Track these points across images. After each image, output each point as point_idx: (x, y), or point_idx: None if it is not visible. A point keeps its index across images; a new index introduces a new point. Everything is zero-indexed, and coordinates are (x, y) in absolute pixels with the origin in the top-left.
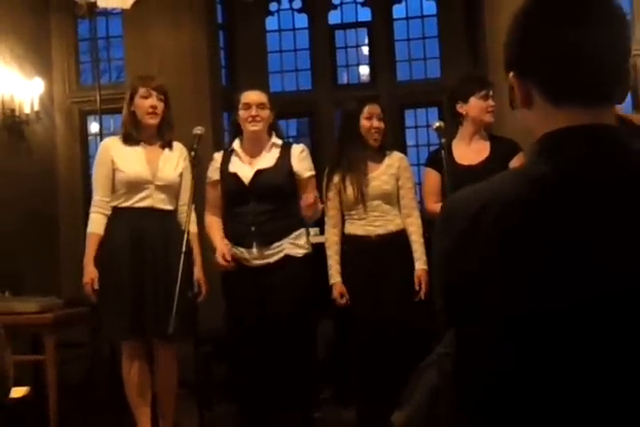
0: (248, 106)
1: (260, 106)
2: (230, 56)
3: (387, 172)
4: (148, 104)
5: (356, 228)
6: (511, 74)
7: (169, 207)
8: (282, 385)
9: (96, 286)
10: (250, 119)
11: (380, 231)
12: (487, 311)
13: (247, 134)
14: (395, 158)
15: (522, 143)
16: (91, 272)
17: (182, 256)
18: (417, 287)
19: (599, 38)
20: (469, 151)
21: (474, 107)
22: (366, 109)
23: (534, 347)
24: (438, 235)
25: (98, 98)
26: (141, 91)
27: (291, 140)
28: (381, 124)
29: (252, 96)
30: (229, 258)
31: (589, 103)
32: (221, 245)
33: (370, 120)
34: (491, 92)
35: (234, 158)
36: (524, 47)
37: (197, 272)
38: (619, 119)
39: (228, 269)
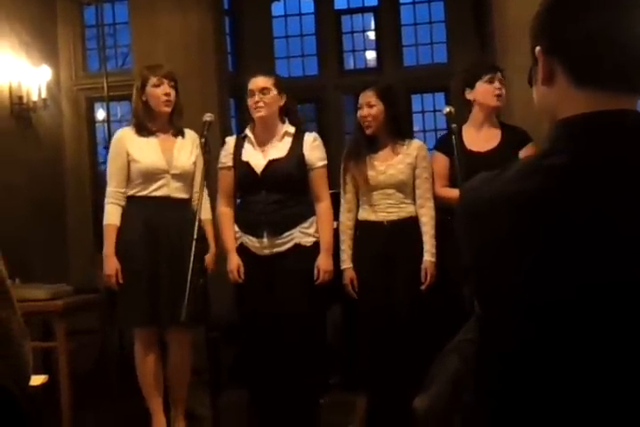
0: (252, 92)
1: (264, 90)
2: (237, 42)
3: (404, 161)
4: (161, 92)
5: (368, 214)
6: (537, 48)
7: (184, 196)
8: (291, 371)
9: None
10: (253, 106)
11: (392, 218)
12: (510, 297)
13: (256, 121)
14: (413, 147)
15: (531, 132)
16: (113, 264)
17: (193, 243)
18: (423, 279)
19: (631, 23)
20: (479, 138)
21: (480, 91)
22: (359, 99)
23: (556, 331)
24: (461, 230)
25: (105, 85)
26: (153, 80)
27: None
28: (370, 111)
29: (255, 82)
30: (242, 275)
31: (614, 88)
32: (234, 258)
33: (360, 110)
34: (498, 76)
35: (246, 145)
36: (555, 23)
37: (209, 259)
38: None
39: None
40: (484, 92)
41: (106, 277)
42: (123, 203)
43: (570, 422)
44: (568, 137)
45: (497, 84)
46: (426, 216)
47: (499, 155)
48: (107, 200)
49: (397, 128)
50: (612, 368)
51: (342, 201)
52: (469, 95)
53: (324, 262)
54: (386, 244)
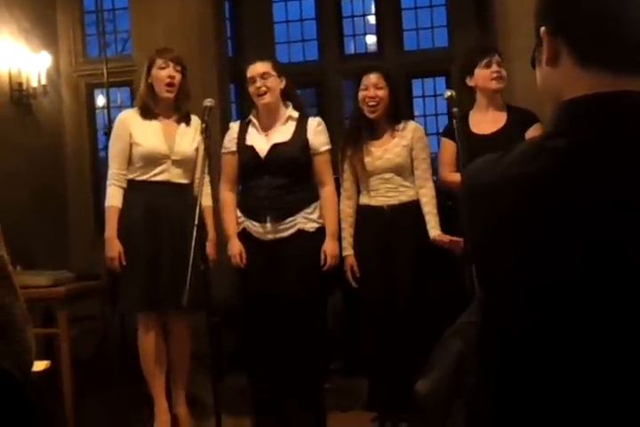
0: (252, 79)
1: (264, 75)
2: (236, 27)
3: (400, 143)
4: (165, 74)
5: (368, 199)
6: (542, 29)
7: (185, 181)
8: (292, 356)
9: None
10: (256, 92)
11: (393, 202)
12: (511, 280)
13: (260, 107)
14: (409, 129)
15: (535, 112)
16: (115, 246)
17: (195, 229)
18: (446, 242)
19: (635, 3)
20: (485, 121)
21: (478, 77)
22: (363, 80)
23: (557, 314)
24: (464, 214)
25: (105, 71)
26: (158, 62)
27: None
28: (378, 93)
29: (254, 68)
30: (244, 260)
31: (618, 69)
32: (235, 243)
33: (365, 91)
34: (495, 59)
35: (250, 130)
36: (560, 3)
37: (209, 247)
38: None
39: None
40: (482, 77)
41: (108, 259)
42: (124, 185)
43: (573, 404)
44: (571, 118)
45: (494, 67)
46: (426, 196)
47: (504, 136)
48: (108, 182)
49: (396, 113)
50: (612, 350)
51: (342, 188)
52: (470, 82)
53: (330, 247)
54: (386, 229)
